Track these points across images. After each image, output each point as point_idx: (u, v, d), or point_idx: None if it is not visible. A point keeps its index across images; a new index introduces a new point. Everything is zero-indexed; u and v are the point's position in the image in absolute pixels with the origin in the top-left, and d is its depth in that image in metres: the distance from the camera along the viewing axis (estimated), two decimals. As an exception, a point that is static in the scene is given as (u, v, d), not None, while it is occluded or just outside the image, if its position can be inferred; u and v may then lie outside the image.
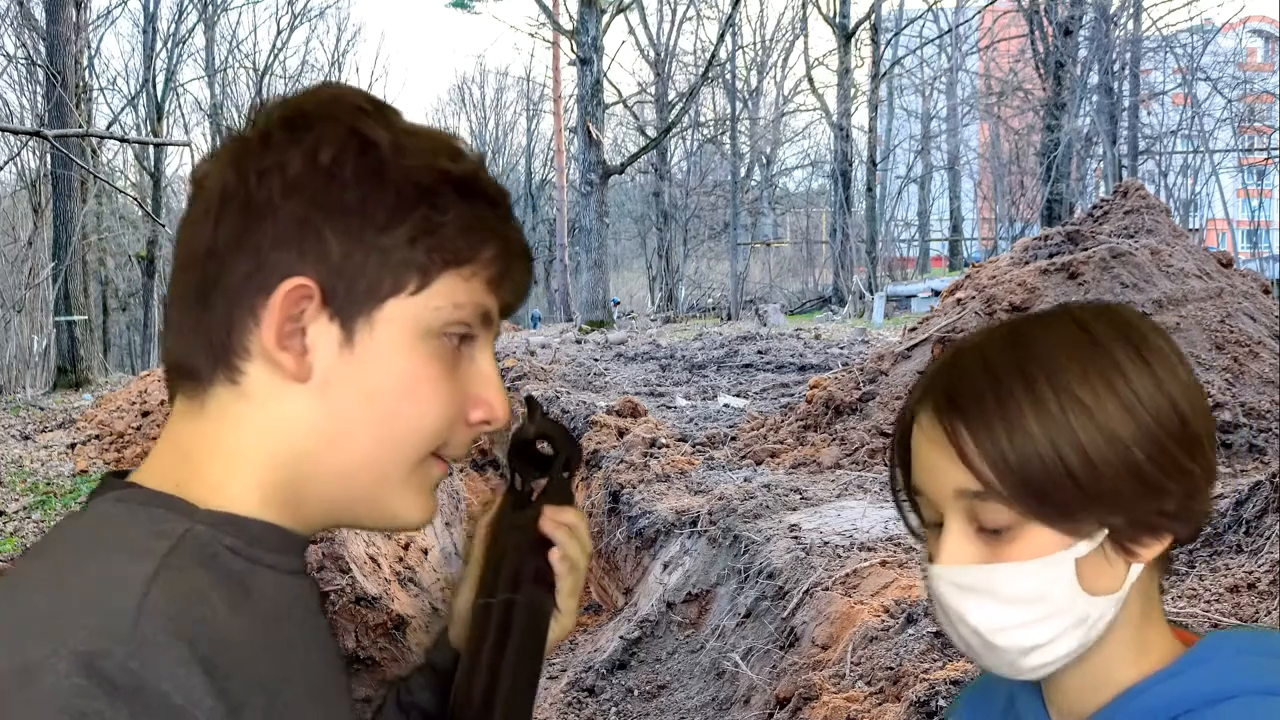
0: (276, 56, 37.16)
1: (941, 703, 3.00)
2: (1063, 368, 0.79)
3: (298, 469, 0.73)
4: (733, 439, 8.09)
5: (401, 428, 0.74)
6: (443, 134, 0.77)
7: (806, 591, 4.43)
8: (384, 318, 0.72)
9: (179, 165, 53.99)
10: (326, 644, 0.79)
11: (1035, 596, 0.80)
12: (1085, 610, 0.80)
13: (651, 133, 31.05)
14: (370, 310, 0.72)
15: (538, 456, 0.92)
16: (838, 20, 29.59)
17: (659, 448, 7.73)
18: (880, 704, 3.28)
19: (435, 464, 0.78)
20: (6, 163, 20.87)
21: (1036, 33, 24.86)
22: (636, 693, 5.01)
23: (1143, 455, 0.78)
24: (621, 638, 5.48)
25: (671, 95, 32.66)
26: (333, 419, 0.72)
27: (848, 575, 4.39)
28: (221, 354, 0.72)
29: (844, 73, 29.08)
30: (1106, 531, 0.79)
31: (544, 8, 28.06)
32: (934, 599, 0.85)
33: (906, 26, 31.73)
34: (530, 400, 0.94)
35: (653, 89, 33.92)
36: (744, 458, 7.38)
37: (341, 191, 0.70)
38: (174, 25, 29.56)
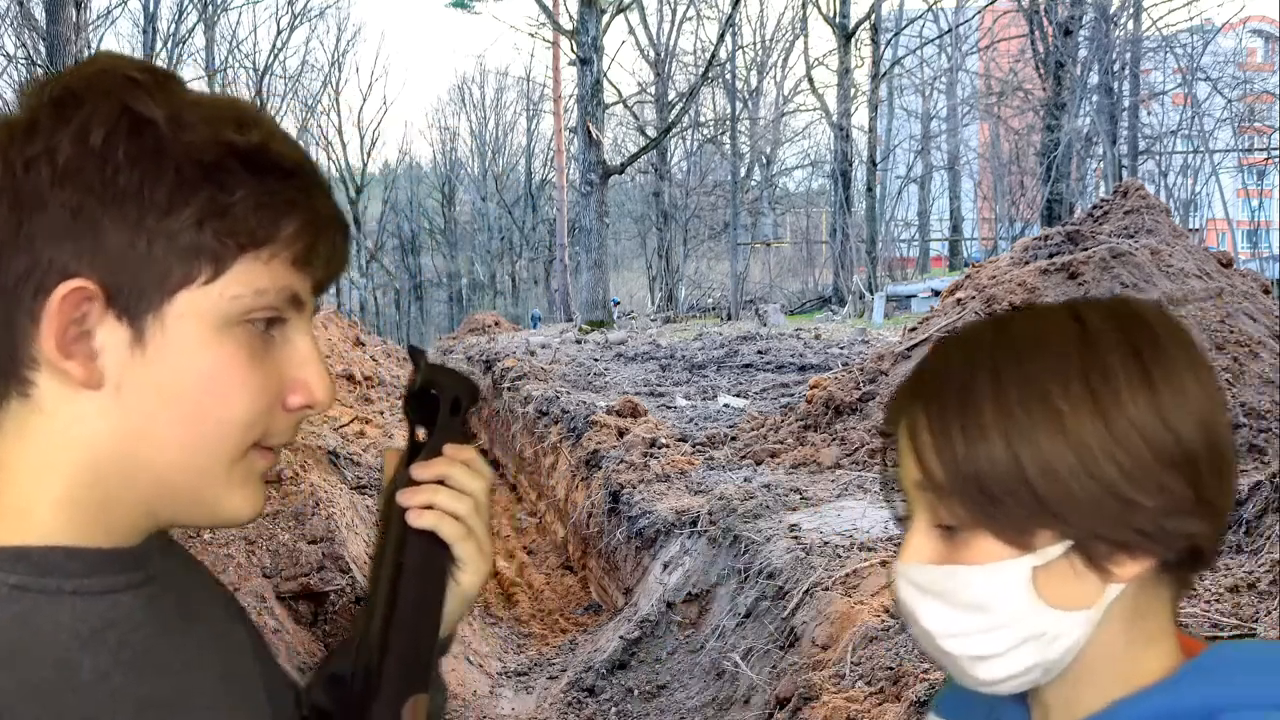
0: (276, 56, 37.20)
1: (941, 703, 3.00)
2: (1042, 368, 0.74)
3: (103, 480, 0.69)
4: (733, 439, 8.09)
5: (210, 425, 0.70)
6: (229, 101, 0.72)
7: (806, 591, 4.43)
8: (176, 312, 0.67)
9: (179, 165, 53.97)
10: (200, 648, 0.75)
11: (983, 604, 0.76)
12: (1042, 626, 0.75)
13: (651, 133, 31.04)
14: (160, 305, 0.67)
15: (431, 405, 0.89)
16: (838, 20, 29.59)
17: (659, 448, 7.74)
18: (880, 704, 3.28)
19: (259, 455, 0.74)
20: (6, 163, 20.85)
21: (1036, 33, 24.85)
22: (636, 693, 5.01)
23: (1115, 470, 0.72)
24: (621, 638, 5.48)
25: (671, 95, 32.66)
26: (133, 424, 0.68)
27: (848, 575, 4.39)
28: (8, 365, 0.67)
29: (844, 73, 29.08)
30: (1068, 545, 0.74)
31: (544, 8, 28.06)
32: (894, 596, 0.83)
33: (906, 26, 31.73)
34: (413, 350, 0.91)
35: (653, 89, 33.92)
36: (744, 458, 7.38)
37: (116, 176, 0.65)
38: (174, 25, 29.57)
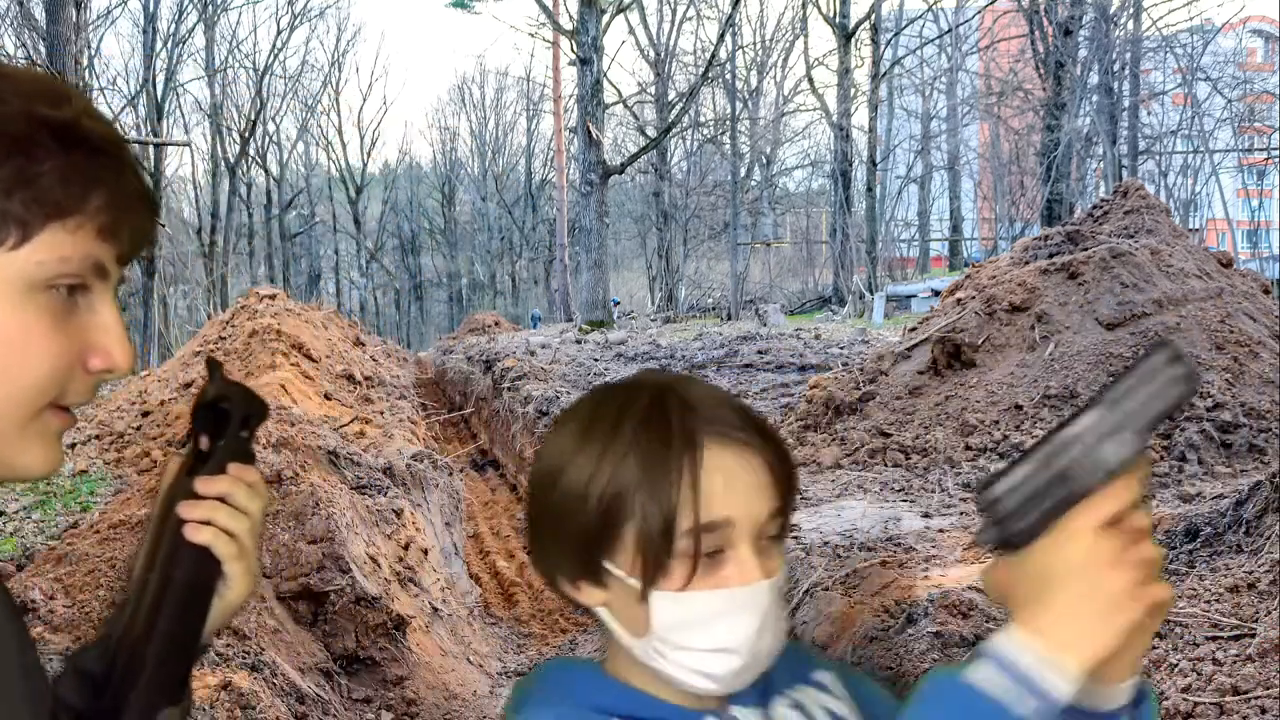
0: (276, 56, 37.19)
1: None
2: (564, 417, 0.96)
3: None
4: (733, 439, 8.08)
5: (9, 383, 0.73)
6: (42, 77, 0.75)
7: (806, 591, 4.43)
8: None
9: (179, 165, 54.02)
10: None
11: None
12: None
13: (651, 133, 31.04)
14: None
15: (221, 418, 0.91)
16: (838, 20, 29.59)
17: (659, 448, 7.73)
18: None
19: (55, 415, 0.77)
20: (6, 163, 20.85)
21: (1036, 33, 24.85)
22: (636, 693, 5.00)
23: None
24: (621, 638, 5.47)
25: (671, 95, 32.66)
26: None
27: (848, 575, 4.39)
28: None
29: (844, 73, 29.08)
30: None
31: (544, 8, 28.06)
32: (770, 610, 0.90)
33: (906, 26, 31.73)
34: (210, 361, 0.92)
35: (653, 89, 33.93)
36: (744, 458, 7.38)
37: None
38: (174, 25, 29.56)
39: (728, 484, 0.88)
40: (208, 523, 0.90)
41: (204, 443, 0.91)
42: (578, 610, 0.97)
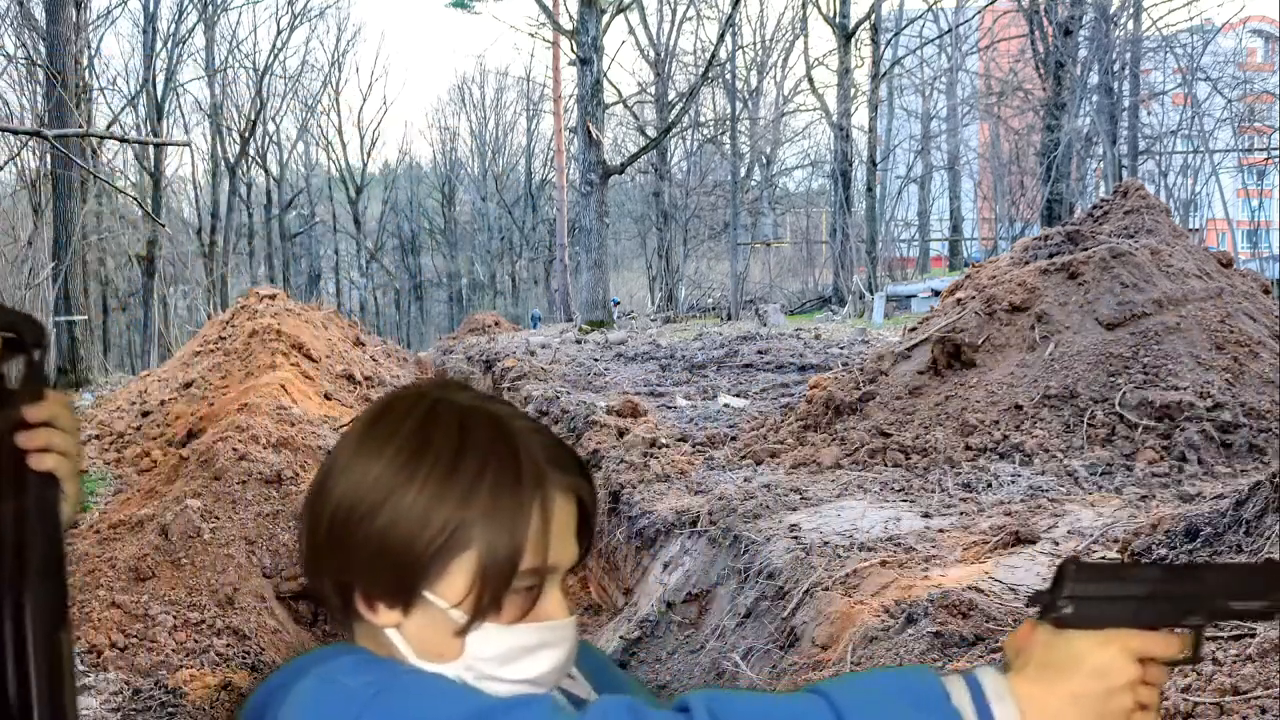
0: (276, 56, 37.18)
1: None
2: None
3: None
4: (733, 439, 8.09)
5: None
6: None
7: (806, 591, 4.43)
8: None
9: (179, 165, 53.99)
10: None
11: None
12: None
13: (651, 133, 31.04)
14: None
15: (12, 347, 0.91)
16: (838, 20, 29.58)
17: (659, 448, 7.73)
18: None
19: None
20: (6, 163, 20.86)
21: (1036, 33, 24.85)
22: (636, 693, 5.00)
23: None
24: (621, 638, 5.48)
25: (671, 95, 32.65)
26: None
27: (848, 575, 4.39)
28: None
29: (844, 73, 29.08)
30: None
31: (544, 8, 28.06)
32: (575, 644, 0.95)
33: (906, 26, 31.72)
34: None
35: (653, 89, 33.91)
36: (744, 458, 7.38)
37: None
38: (174, 25, 29.55)
39: (562, 529, 0.91)
40: (46, 449, 0.91)
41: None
42: (340, 626, 0.96)
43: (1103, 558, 4.28)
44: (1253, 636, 2.72)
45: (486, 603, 0.88)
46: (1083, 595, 0.85)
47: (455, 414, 0.92)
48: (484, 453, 0.89)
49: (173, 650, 5.19)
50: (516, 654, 0.91)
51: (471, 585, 0.88)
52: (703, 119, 35.68)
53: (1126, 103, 27.41)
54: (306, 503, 0.95)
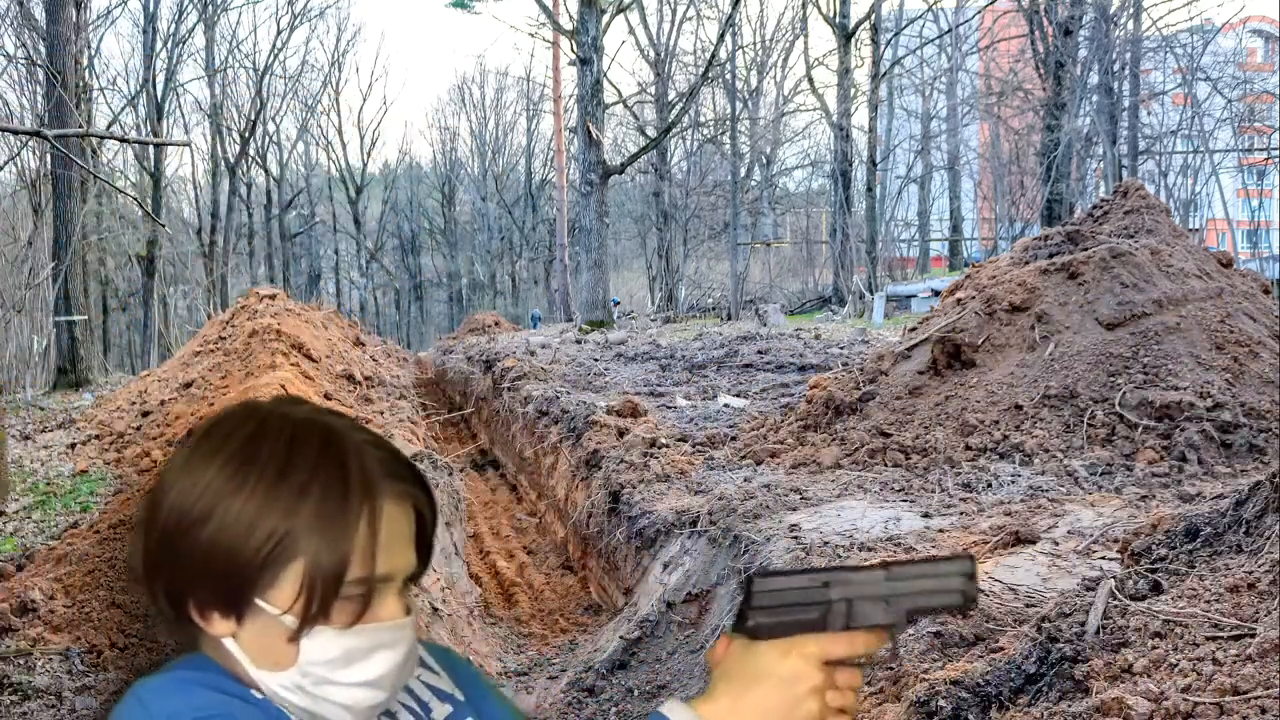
0: (276, 56, 37.18)
1: (941, 703, 3.00)
2: None
3: None
4: (733, 439, 8.09)
5: None
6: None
7: (806, 591, 4.43)
8: None
9: (179, 165, 54.00)
10: None
11: None
12: None
13: (651, 133, 31.03)
14: None
15: None
16: (838, 20, 29.58)
17: (659, 448, 7.73)
18: (880, 704, 3.28)
19: None
20: (6, 163, 20.86)
21: (1036, 33, 24.85)
22: (636, 693, 5.01)
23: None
24: (621, 638, 5.48)
25: (671, 95, 32.64)
26: None
27: (848, 575, 4.39)
28: None
29: (844, 73, 29.07)
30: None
31: (544, 8, 28.06)
32: (412, 643, 0.96)
33: (906, 26, 31.72)
34: None
35: (653, 89, 33.91)
36: (744, 458, 7.38)
37: None
38: (174, 25, 29.56)
39: (394, 538, 0.92)
40: None
41: None
42: (176, 635, 0.97)
43: (1102, 558, 4.28)
44: (1252, 636, 2.72)
45: (315, 609, 0.90)
46: (770, 605, 0.86)
47: (286, 426, 0.93)
48: (312, 464, 0.90)
49: (173, 650, 5.18)
50: (351, 657, 0.92)
51: (300, 593, 0.89)
52: (703, 119, 35.68)
53: (1126, 103, 27.40)
54: (140, 512, 0.95)
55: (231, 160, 34.41)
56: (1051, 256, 8.01)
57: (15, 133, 16.17)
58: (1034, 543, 4.58)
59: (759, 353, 14.28)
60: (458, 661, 1.13)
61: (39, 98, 21.37)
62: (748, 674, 0.87)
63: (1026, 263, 8.13)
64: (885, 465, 6.61)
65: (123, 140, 21.43)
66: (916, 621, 0.94)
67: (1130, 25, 26.64)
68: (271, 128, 40.15)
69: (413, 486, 0.95)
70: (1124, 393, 6.65)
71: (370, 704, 0.94)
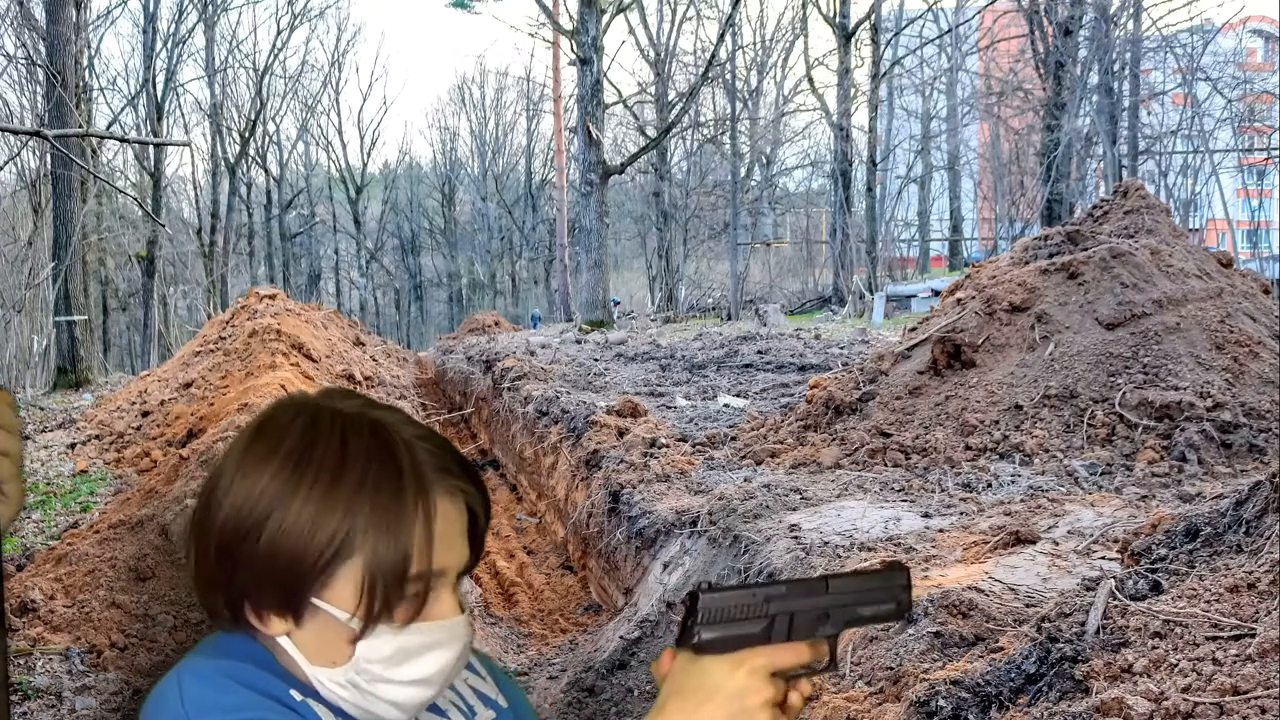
0: (276, 56, 37.19)
1: (941, 703, 3.00)
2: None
3: None
4: (733, 439, 8.09)
5: None
6: None
7: (806, 591, 4.43)
8: None
9: (179, 165, 53.99)
10: None
11: None
12: None
13: (651, 133, 31.03)
14: None
15: None
16: (838, 20, 29.58)
17: (659, 448, 7.73)
18: (880, 704, 3.28)
19: None
20: (6, 163, 20.87)
21: (1036, 33, 24.85)
22: (636, 693, 5.01)
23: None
24: (621, 638, 5.48)
25: (671, 95, 32.64)
26: None
27: (848, 575, 4.39)
28: None
29: (844, 73, 29.07)
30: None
31: (544, 8, 28.06)
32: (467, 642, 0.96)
33: (906, 26, 31.72)
34: None
35: (653, 89, 33.91)
36: (744, 458, 7.38)
37: None
38: (174, 25, 29.57)
39: (448, 533, 0.92)
40: None
41: None
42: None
43: (1102, 558, 4.28)
44: (1252, 636, 2.72)
45: (378, 609, 0.89)
46: (715, 620, 0.87)
47: (337, 423, 0.92)
48: (365, 461, 0.90)
49: (173, 650, 5.19)
50: (405, 655, 0.91)
51: (361, 592, 0.89)
52: (703, 119, 35.67)
53: (1126, 103, 27.40)
54: (193, 520, 0.94)
55: (231, 160, 34.41)
56: (1051, 256, 8.01)
57: (15, 133, 16.17)
58: (1034, 543, 4.58)
59: (759, 353, 14.28)
60: (496, 667, 1.14)
61: (39, 98, 21.37)
62: (698, 689, 0.87)
63: (1026, 263, 8.13)
64: (885, 465, 6.61)
65: (123, 140, 21.45)
66: (852, 629, 0.97)
67: (1130, 25, 26.64)
68: (271, 128, 40.18)
69: (464, 481, 0.94)
70: (1124, 393, 6.65)
71: (420, 701, 0.94)
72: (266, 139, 39.73)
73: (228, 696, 0.89)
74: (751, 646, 0.87)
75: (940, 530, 5.05)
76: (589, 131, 24.00)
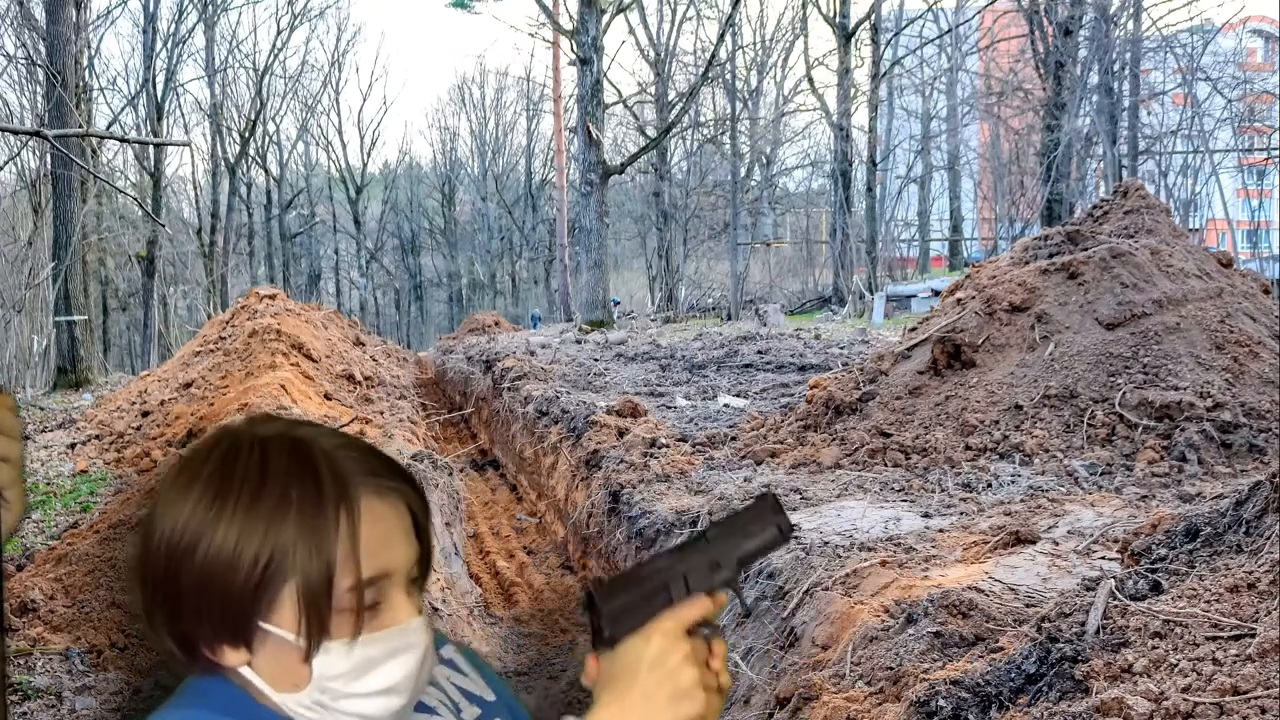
0: (276, 56, 37.19)
1: (941, 703, 3.00)
2: None
3: None
4: (733, 439, 8.08)
5: None
6: None
7: (806, 591, 4.43)
8: None
9: (179, 165, 54.02)
10: None
11: None
12: None
13: (651, 133, 31.03)
14: None
15: None
16: (838, 20, 29.58)
17: (659, 448, 7.73)
18: (880, 704, 3.28)
19: None
20: (6, 163, 20.87)
21: (1036, 33, 24.85)
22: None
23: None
24: (621, 638, 5.47)
25: (671, 95, 32.64)
26: None
27: (848, 575, 4.39)
28: None
29: (844, 73, 29.07)
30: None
31: (544, 8, 28.06)
32: (427, 645, 0.95)
33: (906, 26, 31.72)
34: None
35: (653, 89, 33.91)
36: (744, 458, 7.38)
37: None
38: (174, 25, 29.57)
39: (381, 535, 0.90)
40: None
41: None
42: (193, 671, 0.94)
43: (1102, 558, 4.28)
44: (1252, 636, 2.72)
45: (318, 625, 0.88)
46: (615, 610, 0.89)
47: (256, 446, 0.92)
48: (284, 478, 0.89)
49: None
50: (365, 667, 0.91)
51: (300, 610, 0.88)
52: (703, 119, 35.67)
53: (1126, 103, 27.39)
54: (133, 563, 0.94)
55: (231, 160, 34.41)
56: (1051, 256, 8.01)
57: (15, 133, 16.17)
58: (1034, 543, 4.58)
59: (759, 353, 14.28)
60: (482, 662, 1.14)
61: (39, 98, 21.37)
62: (623, 672, 0.88)
63: (1026, 263, 8.13)
64: (885, 465, 6.61)
65: (123, 140, 21.45)
66: (746, 567, 0.98)
67: (1130, 25, 26.64)
68: (271, 128, 40.19)
69: (393, 480, 0.93)
70: (1124, 393, 6.65)
71: (395, 709, 0.93)
72: (266, 139, 39.74)
73: None
74: (654, 617, 0.89)
75: (940, 530, 5.05)
76: (589, 131, 24.00)
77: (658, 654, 0.88)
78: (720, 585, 0.92)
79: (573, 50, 25.23)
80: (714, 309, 31.45)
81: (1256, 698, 2.45)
